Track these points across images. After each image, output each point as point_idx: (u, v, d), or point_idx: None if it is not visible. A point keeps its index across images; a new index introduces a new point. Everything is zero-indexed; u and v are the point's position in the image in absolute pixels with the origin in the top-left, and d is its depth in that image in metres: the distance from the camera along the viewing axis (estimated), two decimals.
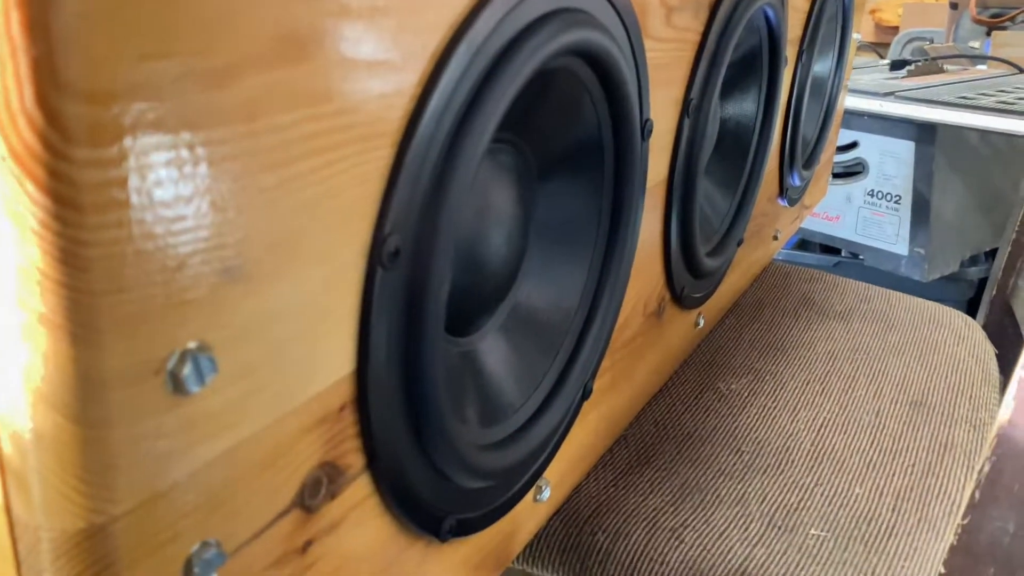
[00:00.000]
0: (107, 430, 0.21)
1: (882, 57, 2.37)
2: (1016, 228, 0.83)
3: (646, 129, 0.46)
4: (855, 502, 0.57)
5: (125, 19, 0.19)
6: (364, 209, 0.28)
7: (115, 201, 0.19)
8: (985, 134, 1.29)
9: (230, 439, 0.25)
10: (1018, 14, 2.15)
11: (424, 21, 0.29)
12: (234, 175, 0.22)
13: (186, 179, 0.21)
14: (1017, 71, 1.67)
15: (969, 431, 0.64)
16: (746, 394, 0.68)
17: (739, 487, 0.57)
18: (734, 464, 0.59)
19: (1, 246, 0.19)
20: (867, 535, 0.54)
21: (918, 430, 0.64)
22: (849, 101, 1.43)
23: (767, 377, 0.71)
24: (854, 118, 1.44)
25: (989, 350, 0.77)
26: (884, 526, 0.55)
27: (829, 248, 1.66)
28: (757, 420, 0.65)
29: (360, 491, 0.32)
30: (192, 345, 0.23)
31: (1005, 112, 1.24)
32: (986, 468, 0.46)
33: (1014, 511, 0.45)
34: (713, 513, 0.54)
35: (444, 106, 0.30)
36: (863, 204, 1.48)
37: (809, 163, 0.91)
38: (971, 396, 0.69)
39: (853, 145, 1.47)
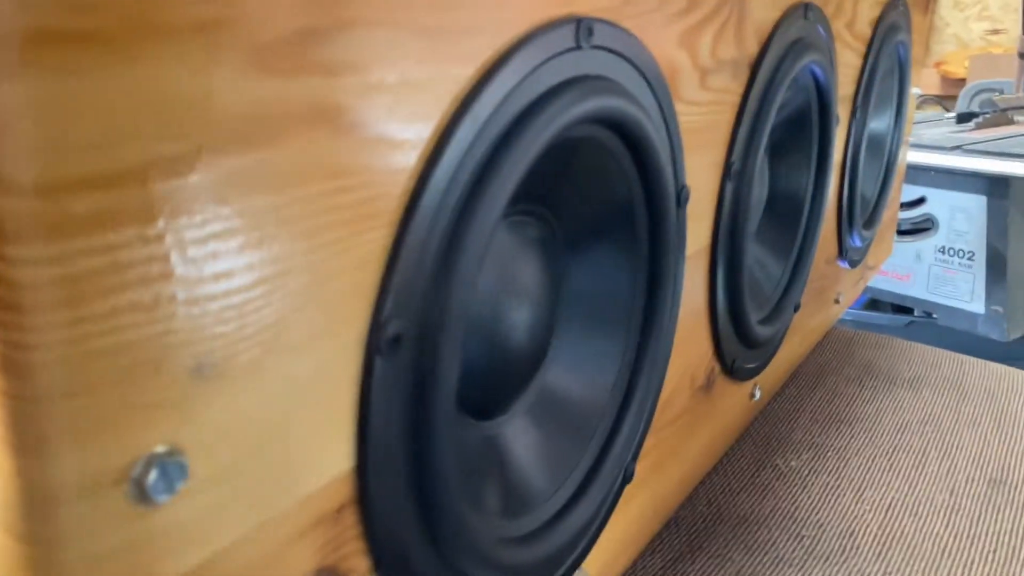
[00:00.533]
0: (60, 550, 0.19)
1: (948, 110, 2.31)
2: None
3: (682, 196, 0.44)
4: None
5: (74, 105, 0.18)
6: (360, 294, 0.26)
7: (62, 300, 0.18)
8: None
9: (207, 549, 0.23)
10: None
11: (424, 97, 0.27)
12: (202, 265, 0.21)
13: (147, 272, 0.20)
14: None
15: None
16: (807, 472, 0.64)
17: None
18: (794, 550, 0.55)
19: None
20: None
21: (998, 511, 0.59)
22: (914, 156, 1.38)
23: (829, 452, 0.66)
24: (920, 173, 1.39)
25: None
26: None
27: (901, 308, 1.60)
28: (819, 500, 0.60)
29: None
30: (160, 450, 0.21)
31: None
32: None
33: None
34: None
35: (448, 182, 0.28)
36: (934, 261, 1.42)
37: (870, 223, 0.87)
38: None
39: (920, 201, 1.42)
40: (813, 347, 0.84)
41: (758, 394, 0.67)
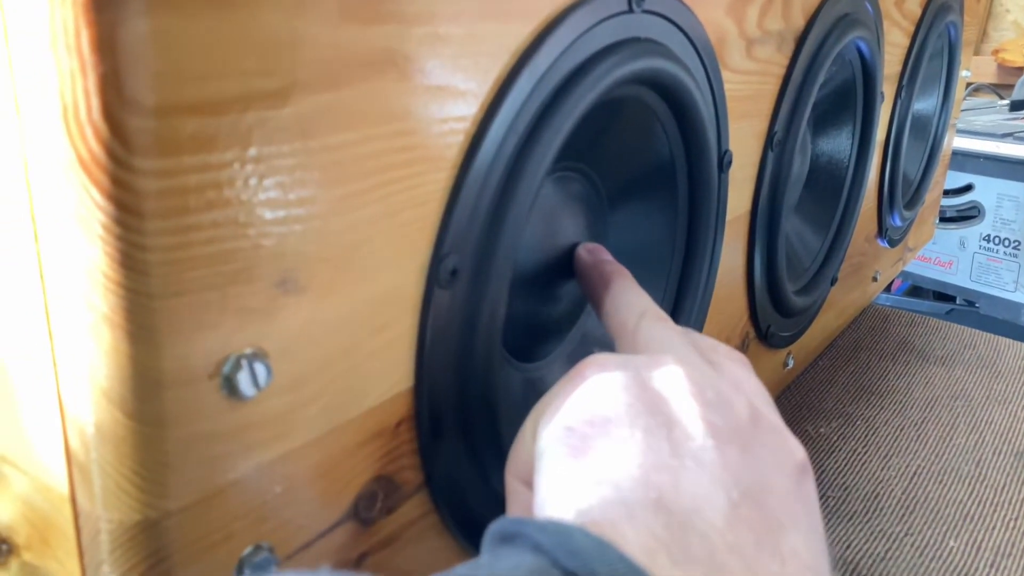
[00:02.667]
0: (161, 428, 0.22)
1: (1003, 99, 2.27)
2: None
3: (724, 160, 0.46)
4: (949, 555, 0.54)
5: (188, 40, 0.20)
6: (423, 229, 0.29)
7: (174, 209, 0.21)
8: None
9: (283, 446, 0.26)
10: None
11: (488, 47, 0.29)
12: (289, 189, 0.24)
13: (241, 192, 0.22)
14: None
15: None
16: (835, 438, 0.66)
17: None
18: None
19: (72, 251, 0.21)
20: None
21: (1022, 483, 0.60)
22: (964, 142, 1.37)
23: (858, 421, 0.68)
24: (969, 160, 1.39)
25: None
26: None
27: (942, 295, 1.59)
28: (845, 465, 0.62)
29: (417, 508, 0.33)
30: (248, 351, 0.24)
31: None
32: None
33: None
34: None
35: (505, 132, 0.30)
36: (979, 249, 1.41)
37: (912, 203, 0.88)
38: None
39: (968, 188, 1.41)
40: (849, 322, 0.86)
41: (791, 363, 0.69)
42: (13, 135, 0.21)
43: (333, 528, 0.29)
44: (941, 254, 1.46)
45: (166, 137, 0.20)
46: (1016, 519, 0.57)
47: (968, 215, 1.43)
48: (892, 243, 0.87)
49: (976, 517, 0.57)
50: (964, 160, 1.38)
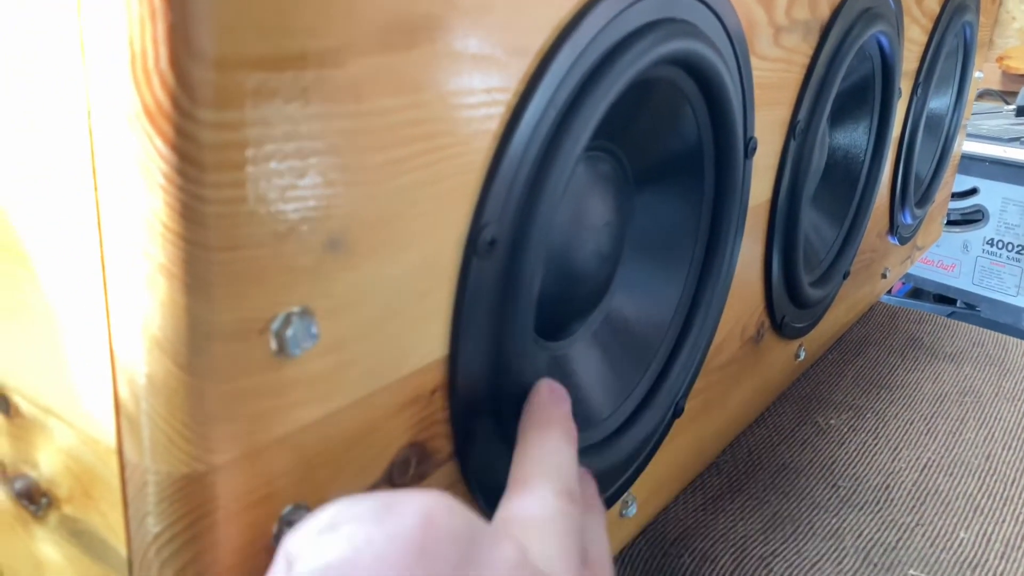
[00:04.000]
0: (212, 381, 0.23)
1: (1009, 104, 2.28)
2: None
3: (750, 146, 0.46)
4: (959, 546, 0.54)
5: (256, 3, 0.20)
6: (463, 198, 0.29)
7: (233, 162, 0.21)
8: None
9: (326, 407, 0.26)
10: None
11: (531, 20, 0.30)
12: (341, 151, 0.24)
13: (297, 150, 0.22)
14: None
15: None
16: (845, 430, 0.66)
17: (834, 521, 0.55)
18: (829, 498, 0.57)
19: (131, 199, 0.21)
20: None
21: None
22: (970, 146, 1.38)
23: (868, 414, 0.68)
24: (974, 164, 1.39)
25: None
26: (991, 573, 0.52)
27: (943, 298, 1.60)
28: (856, 456, 0.62)
29: (447, 476, 0.33)
30: (296, 309, 0.24)
31: None
32: None
33: None
34: (805, 545, 0.53)
35: (546, 105, 0.31)
36: (982, 253, 1.42)
37: (923, 201, 0.88)
38: None
39: (972, 192, 1.42)
40: (858, 318, 0.86)
41: (803, 354, 0.69)
42: (78, 82, 0.21)
43: (369, 491, 0.29)
44: (944, 257, 1.46)
45: (230, 89, 0.20)
46: None
47: (972, 218, 1.44)
48: (902, 240, 0.87)
49: (986, 510, 0.58)
50: (969, 163, 1.39)
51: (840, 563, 0.52)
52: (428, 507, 0.23)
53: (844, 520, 0.55)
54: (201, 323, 0.22)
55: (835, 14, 0.53)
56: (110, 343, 0.23)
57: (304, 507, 0.27)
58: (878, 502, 0.57)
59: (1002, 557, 0.53)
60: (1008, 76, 3.23)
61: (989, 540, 0.55)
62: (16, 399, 0.27)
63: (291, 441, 0.25)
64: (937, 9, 0.74)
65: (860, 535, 0.54)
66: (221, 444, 0.23)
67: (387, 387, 0.28)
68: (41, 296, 0.24)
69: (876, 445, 0.64)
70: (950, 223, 1.42)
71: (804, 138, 0.54)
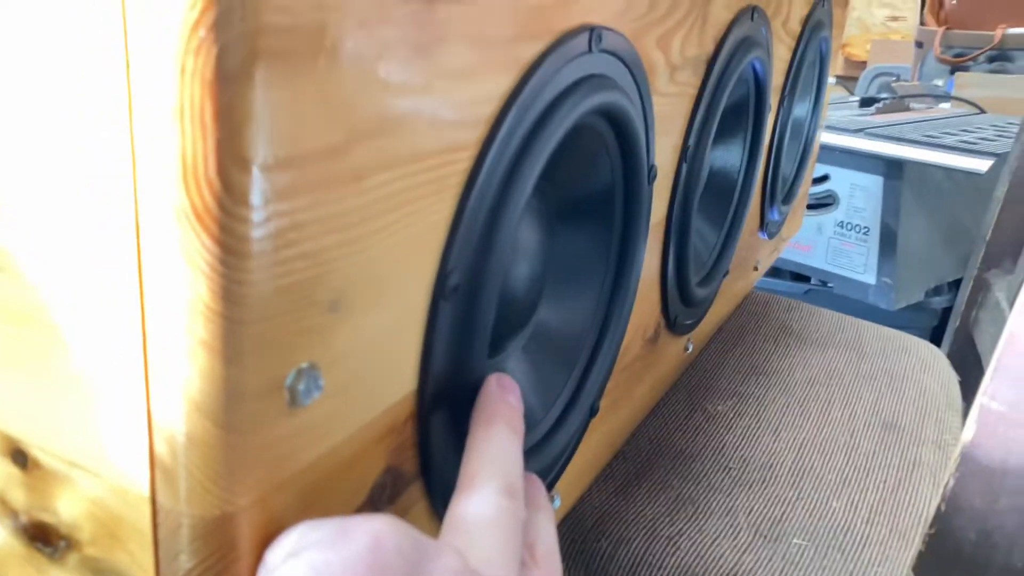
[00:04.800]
0: (244, 435, 0.26)
1: (850, 92, 2.46)
2: (978, 264, 0.89)
3: (651, 174, 0.51)
4: (833, 515, 0.62)
5: (285, 107, 0.24)
6: (433, 250, 0.33)
7: (266, 249, 0.24)
8: (949, 171, 1.36)
9: (326, 445, 0.30)
10: (979, 55, 2.25)
11: (484, 94, 0.34)
12: (346, 227, 0.27)
13: (314, 230, 0.26)
14: (978, 111, 1.76)
15: (935, 451, 0.70)
16: (731, 415, 0.73)
17: (728, 500, 0.62)
18: (722, 480, 0.64)
19: (176, 285, 0.24)
20: (844, 544, 0.60)
21: (889, 450, 0.70)
22: (823, 136, 1.50)
23: (750, 400, 0.76)
24: (826, 152, 1.50)
25: (953, 378, 0.83)
26: (859, 536, 0.60)
27: (799, 276, 1.73)
28: (742, 439, 0.70)
29: (414, 494, 0.37)
30: (305, 365, 0.27)
31: (967, 151, 1.31)
32: (951, 483, 0.51)
33: (975, 522, 0.50)
34: (705, 523, 0.59)
35: (497, 161, 0.35)
36: (833, 235, 1.54)
37: (788, 199, 0.97)
38: (937, 419, 0.75)
39: (825, 178, 1.53)
40: (735, 308, 0.94)
41: (691, 347, 0.76)
42: (126, 182, 0.24)
43: (356, 513, 0.33)
44: (801, 238, 1.58)
45: (265, 189, 0.24)
46: (886, 481, 0.66)
47: (824, 203, 1.56)
48: (771, 235, 0.96)
49: (853, 481, 0.66)
50: (822, 152, 1.51)
51: (736, 538, 0.59)
52: (376, 529, 0.27)
53: (736, 499, 0.62)
54: (235, 387, 0.25)
55: (719, 47, 0.59)
56: (148, 406, 0.26)
57: None
58: (763, 481, 0.65)
59: (867, 521, 0.62)
60: (849, 62, 3.48)
61: (856, 508, 0.63)
62: (35, 453, 0.29)
63: (298, 478, 0.29)
64: (799, 29, 0.82)
65: (751, 511, 0.61)
66: (247, 488, 0.27)
67: (372, 421, 0.32)
68: (75, 365, 0.27)
69: (759, 428, 0.72)
70: (806, 207, 1.54)
71: (693, 160, 0.60)
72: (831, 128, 1.53)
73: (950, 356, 0.89)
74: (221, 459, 0.26)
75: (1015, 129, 1.56)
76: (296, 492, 0.29)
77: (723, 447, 0.68)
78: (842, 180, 1.50)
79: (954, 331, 0.94)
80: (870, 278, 1.48)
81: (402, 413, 0.34)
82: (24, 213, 0.27)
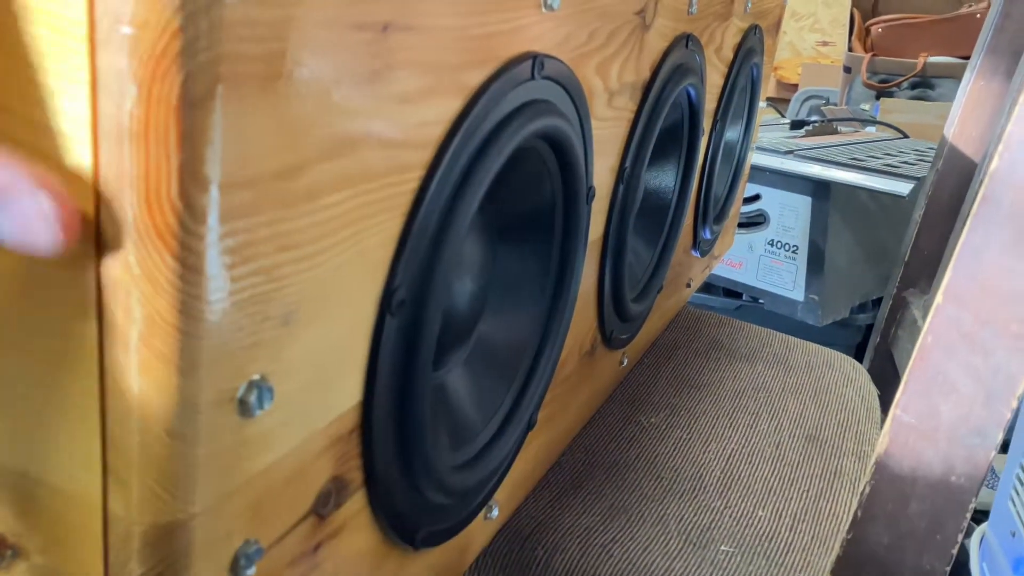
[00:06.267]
0: (195, 445, 0.27)
1: (781, 113, 2.53)
2: (897, 283, 0.94)
3: (590, 195, 0.53)
4: (759, 523, 0.65)
5: (244, 132, 0.25)
6: (381, 266, 0.34)
7: (223, 265, 0.25)
8: (873, 193, 1.41)
9: (274, 455, 0.31)
10: (903, 81, 2.35)
11: (431, 116, 0.35)
12: (301, 243, 0.28)
13: (270, 247, 0.27)
14: (901, 136, 1.83)
15: (855, 462, 0.73)
16: (664, 427, 0.76)
17: (659, 509, 0.64)
18: (655, 489, 0.67)
19: (135, 301, 0.25)
20: (769, 551, 0.62)
21: (812, 460, 0.73)
22: (754, 157, 1.54)
23: (682, 412, 0.78)
24: (757, 173, 1.54)
25: (873, 391, 0.87)
26: (783, 543, 0.63)
27: (731, 292, 1.77)
28: (674, 450, 0.72)
29: (357, 503, 0.38)
30: (256, 377, 0.29)
31: (890, 174, 1.37)
32: (867, 491, 0.54)
33: (889, 527, 0.53)
34: (638, 531, 0.61)
35: (444, 181, 0.36)
36: (764, 253, 1.59)
37: (719, 218, 1.00)
38: (857, 432, 0.78)
39: (756, 197, 1.58)
40: (668, 324, 0.97)
41: (625, 361, 0.79)
42: (86, 207, 0.24)
43: (300, 522, 0.34)
44: (733, 256, 1.63)
45: (223, 208, 0.25)
46: (808, 491, 0.69)
47: (756, 221, 1.60)
48: (703, 253, 0.99)
49: (778, 491, 0.69)
50: (753, 172, 1.55)
51: (666, 545, 0.61)
52: None
53: (667, 508, 0.65)
54: (189, 398, 0.26)
55: (654, 74, 0.62)
56: (102, 416, 0.27)
57: (253, 541, 0.31)
58: (694, 490, 0.67)
59: (791, 529, 0.65)
60: (781, 85, 3.58)
61: (781, 516, 0.66)
62: None
63: (247, 487, 0.30)
64: (731, 56, 0.86)
65: (681, 519, 0.64)
66: (197, 497, 0.28)
67: (318, 433, 0.33)
68: (28, 373, 0.27)
69: (690, 439, 0.74)
70: (738, 226, 1.58)
71: (630, 181, 0.62)
72: (762, 149, 1.57)
73: (871, 371, 0.93)
74: (173, 468, 0.27)
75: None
76: (245, 500, 0.30)
77: (656, 458, 0.71)
78: (772, 200, 1.54)
79: (875, 347, 0.98)
80: (798, 295, 1.53)
81: (348, 424, 0.35)
82: None
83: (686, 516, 0.64)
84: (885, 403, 0.85)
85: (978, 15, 2.36)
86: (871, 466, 0.53)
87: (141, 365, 0.25)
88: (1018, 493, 0.91)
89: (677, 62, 0.66)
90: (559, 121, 0.45)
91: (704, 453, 0.73)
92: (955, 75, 2.36)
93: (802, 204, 1.50)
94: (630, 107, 0.60)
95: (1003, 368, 0.46)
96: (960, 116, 0.88)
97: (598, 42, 0.50)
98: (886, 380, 0.89)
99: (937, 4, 2.53)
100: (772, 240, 1.57)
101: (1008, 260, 0.42)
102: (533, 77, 0.42)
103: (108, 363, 0.26)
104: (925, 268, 0.90)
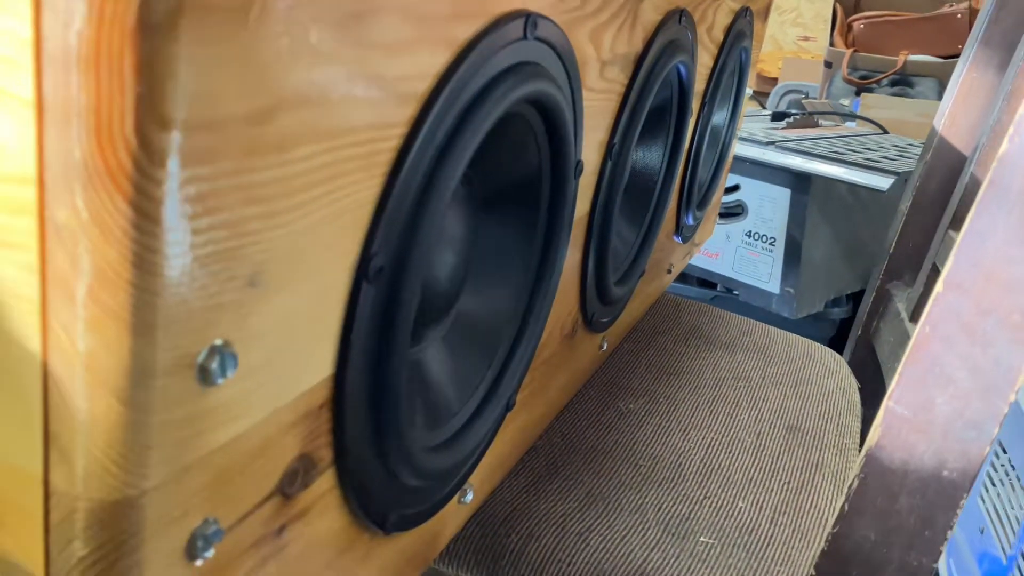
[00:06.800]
0: (149, 414, 0.24)
1: (762, 106, 2.53)
2: (881, 275, 0.93)
3: (578, 169, 0.51)
4: (739, 514, 0.63)
5: (208, 65, 0.22)
6: (357, 230, 0.32)
7: (182, 215, 0.23)
8: (853, 187, 1.40)
9: (236, 428, 0.28)
10: (883, 78, 2.35)
11: (416, 70, 0.33)
12: (270, 198, 0.26)
13: (234, 199, 0.24)
14: (881, 131, 1.83)
15: (836, 454, 0.72)
16: (643, 414, 0.74)
17: (637, 497, 0.63)
18: (633, 477, 0.65)
19: (85, 251, 0.22)
20: (749, 543, 0.61)
21: (793, 452, 0.71)
22: (736, 147, 1.52)
23: (661, 399, 0.77)
24: (738, 163, 1.53)
25: (853, 384, 0.86)
26: (764, 536, 0.61)
27: (705, 282, 1.76)
28: (653, 437, 0.70)
29: (326, 483, 0.36)
30: (219, 342, 0.26)
31: (870, 169, 1.36)
32: (855, 484, 0.52)
33: (877, 522, 0.52)
34: (615, 519, 0.59)
35: (428, 141, 0.34)
36: (741, 243, 1.58)
37: (702, 204, 0.99)
38: (838, 424, 0.77)
39: (735, 188, 1.56)
40: (648, 309, 0.95)
41: (605, 346, 0.77)
42: (26, 138, 0.22)
43: (264, 502, 0.31)
44: (710, 246, 1.61)
45: (183, 151, 0.22)
46: (789, 483, 0.67)
47: (734, 212, 1.59)
48: (685, 239, 0.97)
49: (758, 482, 0.67)
50: (734, 163, 1.54)
51: (645, 534, 0.59)
52: None
53: (646, 496, 0.63)
54: (144, 362, 0.23)
55: (647, 48, 0.60)
56: (43, 378, 0.24)
57: (211, 521, 0.28)
58: (673, 479, 0.65)
59: (771, 522, 0.63)
60: (762, 78, 3.58)
61: (761, 508, 0.64)
62: None
63: (206, 462, 0.27)
64: (722, 37, 0.84)
65: (660, 508, 0.62)
66: (151, 471, 0.25)
67: (285, 406, 0.31)
68: None
69: (669, 427, 0.72)
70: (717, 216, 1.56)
71: (618, 158, 0.60)
72: (744, 140, 1.56)
73: (851, 363, 0.92)
74: (124, 439, 0.24)
75: (915, 150, 1.62)
76: (203, 476, 0.27)
77: (634, 444, 0.69)
78: (752, 191, 1.53)
79: (856, 340, 0.97)
80: (774, 287, 1.52)
81: (318, 398, 0.33)
82: None
83: (665, 505, 0.62)
84: (865, 396, 0.84)
85: (959, 15, 2.37)
86: (861, 459, 0.52)
87: (89, 322, 0.23)
88: (987, 490, 0.90)
89: (670, 37, 0.63)
90: (550, 87, 0.42)
91: (684, 441, 0.71)
92: (934, 74, 2.37)
93: (781, 196, 1.49)
94: (621, 80, 0.57)
95: (1003, 360, 0.45)
96: (951, 108, 0.87)
97: (593, 7, 0.48)
98: (867, 373, 0.88)
99: (918, 2, 2.53)
100: (750, 231, 1.56)
101: (1014, 248, 0.41)
102: (525, 37, 0.39)
103: (50, 319, 0.23)
104: (910, 261, 0.89)
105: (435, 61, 0.34)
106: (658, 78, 0.61)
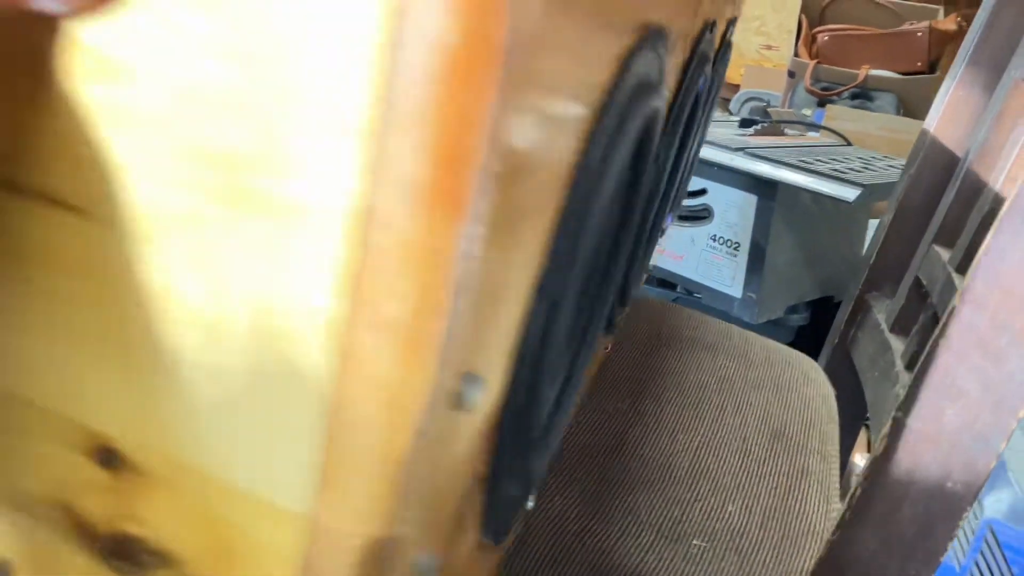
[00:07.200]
0: (430, 440, 0.25)
1: (730, 111, 2.59)
2: (860, 285, 0.98)
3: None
4: (729, 517, 0.68)
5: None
6: (541, 248, 0.34)
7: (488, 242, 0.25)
8: (817, 196, 1.45)
9: (460, 453, 0.30)
10: (844, 91, 2.44)
11: (582, 95, 0.35)
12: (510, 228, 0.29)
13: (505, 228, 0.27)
14: (845, 143, 1.91)
15: (820, 461, 0.78)
16: (631, 414, 0.77)
17: (629, 499, 0.66)
18: (623, 478, 0.68)
19: (404, 272, 0.22)
20: (740, 547, 0.65)
21: (779, 457, 0.77)
22: (704, 152, 1.56)
23: (648, 400, 0.80)
24: (705, 167, 1.55)
25: (831, 392, 0.92)
26: (754, 540, 0.66)
27: (664, 283, 1.79)
28: (641, 438, 0.74)
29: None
30: (468, 368, 0.27)
31: (838, 179, 1.42)
32: (858, 492, 0.56)
33: (878, 530, 0.56)
34: (609, 520, 0.63)
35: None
36: (705, 247, 1.61)
37: (675, 205, 1.03)
38: (820, 431, 0.83)
39: (702, 191, 1.60)
40: (626, 309, 0.99)
41: (608, 347, 0.81)
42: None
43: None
44: (675, 249, 1.66)
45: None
46: (777, 487, 0.73)
47: (700, 215, 1.63)
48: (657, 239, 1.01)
49: (746, 486, 0.72)
50: (701, 167, 1.57)
51: (639, 537, 0.63)
52: None
53: (637, 498, 0.67)
54: (438, 384, 0.24)
55: (691, 54, 0.63)
56: (331, 415, 0.24)
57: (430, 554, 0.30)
58: (662, 481, 0.70)
59: (761, 526, 0.68)
60: (725, 85, 3.65)
61: (751, 512, 0.70)
62: (131, 453, 0.26)
63: (434, 494, 0.28)
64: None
65: (652, 511, 0.66)
66: (415, 502, 0.26)
67: (481, 432, 0.33)
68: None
69: (657, 428, 0.77)
70: (681, 218, 1.61)
71: (658, 164, 0.63)
72: (712, 144, 1.59)
73: (826, 370, 0.98)
74: (410, 472, 0.24)
75: (879, 163, 1.69)
76: (424, 509, 0.28)
77: (623, 446, 0.72)
78: (718, 195, 1.57)
79: (832, 348, 1.03)
80: (736, 292, 1.57)
81: (494, 416, 0.34)
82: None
83: (656, 507, 0.66)
84: (841, 404, 0.90)
85: (919, 33, 2.47)
86: (865, 466, 0.55)
87: (402, 351, 0.23)
88: None
89: (703, 48, 0.67)
90: (660, 103, 0.44)
91: (672, 443, 0.75)
92: (893, 89, 2.47)
93: (747, 202, 1.54)
94: (670, 87, 0.60)
95: (1016, 375, 0.47)
96: (937, 125, 0.91)
97: None
98: (843, 381, 0.94)
99: (880, 18, 2.64)
100: (715, 235, 1.59)
101: None
102: (657, 51, 0.41)
103: (355, 348, 0.23)
104: (891, 272, 0.94)
105: (602, 73, 0.33)
106: (694, 86, 0.64)
